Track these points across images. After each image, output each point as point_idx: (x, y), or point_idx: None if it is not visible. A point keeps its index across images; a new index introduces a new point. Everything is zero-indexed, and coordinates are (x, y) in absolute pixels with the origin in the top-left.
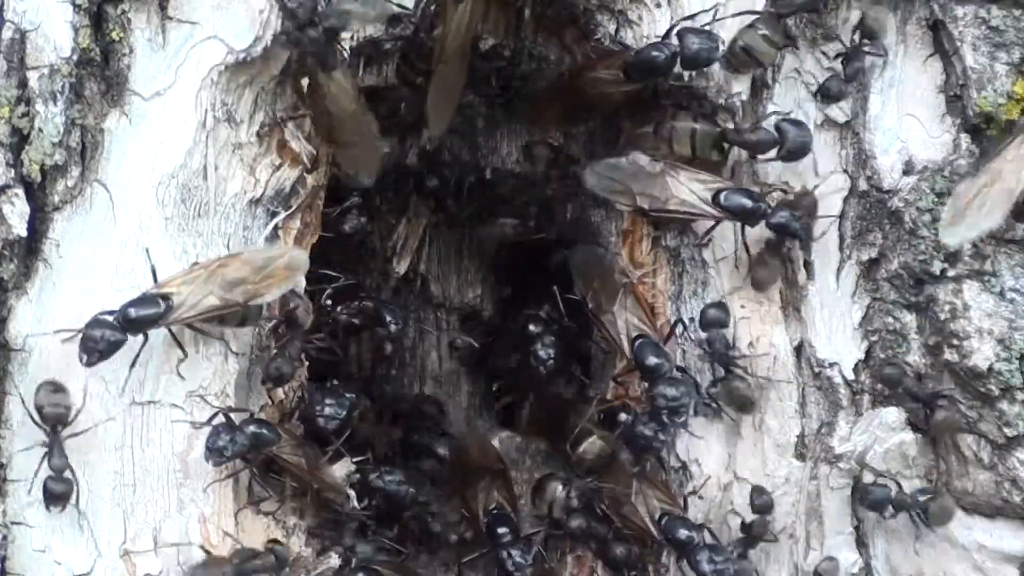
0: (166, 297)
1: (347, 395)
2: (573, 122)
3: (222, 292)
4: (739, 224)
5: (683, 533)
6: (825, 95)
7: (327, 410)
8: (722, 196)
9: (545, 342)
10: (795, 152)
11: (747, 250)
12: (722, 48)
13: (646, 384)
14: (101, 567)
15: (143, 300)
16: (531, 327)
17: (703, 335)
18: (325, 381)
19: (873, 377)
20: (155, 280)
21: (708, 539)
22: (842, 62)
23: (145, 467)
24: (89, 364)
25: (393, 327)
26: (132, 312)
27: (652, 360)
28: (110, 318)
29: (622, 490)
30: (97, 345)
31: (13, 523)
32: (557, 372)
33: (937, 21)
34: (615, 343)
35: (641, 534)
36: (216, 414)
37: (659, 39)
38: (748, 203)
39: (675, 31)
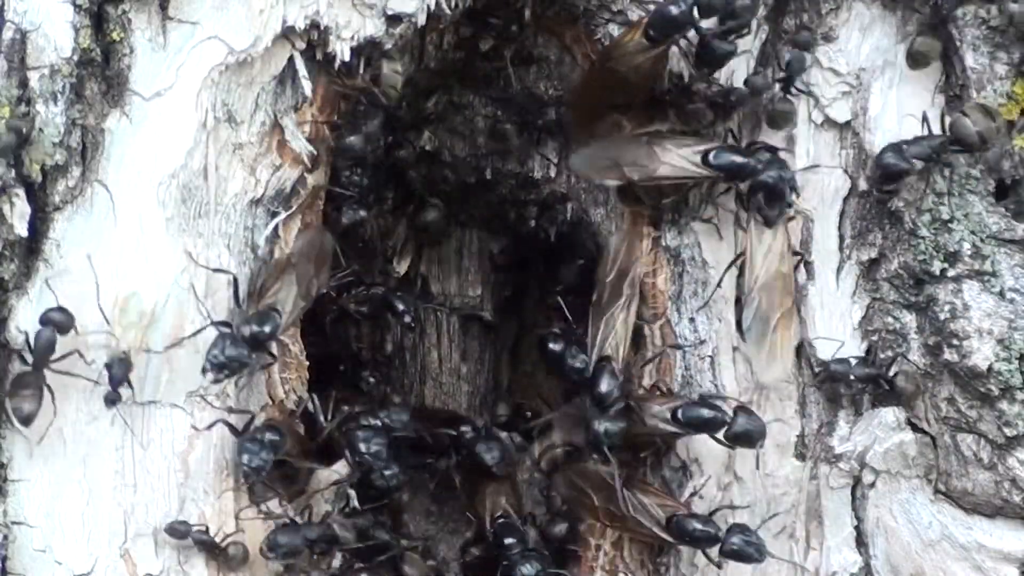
0: (276, 310)
1: (376, 423)
2: (614, 108)
3: (304, 291)
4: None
5: (700, 529)
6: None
7: (374, 448)
8: (711, 155)
9: (573, 353)
10: None
11: (745, 207)
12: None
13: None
14: (101, 567)
15: (262, 316)
16: (552, 345)
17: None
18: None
19: (820, 381)
20: (236, 296)
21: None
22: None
23: (145, 467)
24: (216, 381)
25: (407, 317)
26: (257, 330)
27: (602, 388)
28: (230, 330)
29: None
30: (228, 364)
31: (14, 523)
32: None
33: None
34: (588, 349)
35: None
36: (216, 422)
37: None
38: (738, 159)
39: None
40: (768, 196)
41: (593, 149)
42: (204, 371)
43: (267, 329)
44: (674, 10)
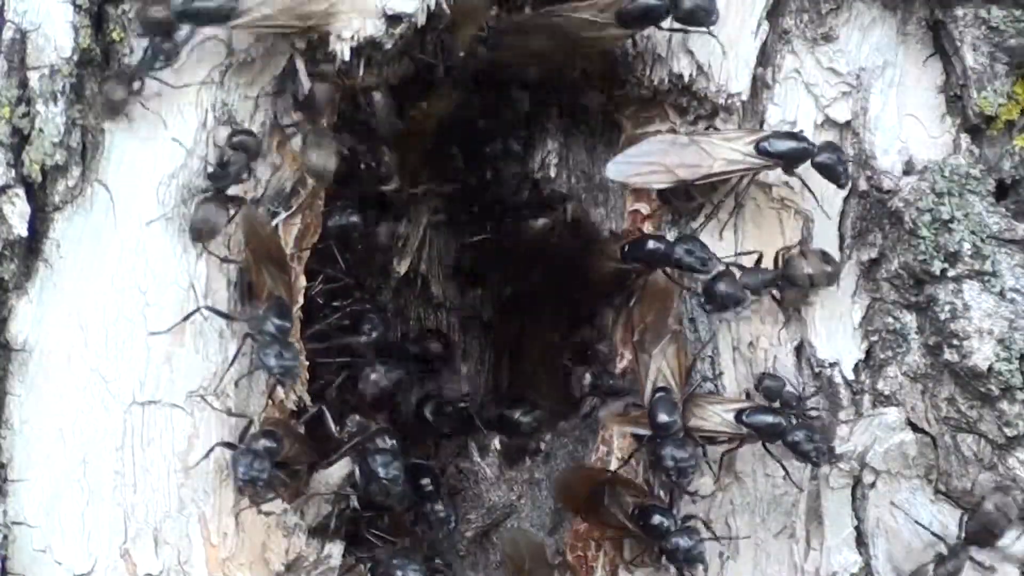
0: (282, 298)
1: (392, 444)
2: (551, 60)
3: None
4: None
5: (656, 519)
6: None
7: (392, 473)
8: (768, 143)
9: None
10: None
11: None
12: (716, 15)
13: (655, 439)
14: (101, 567)
15: (279, 308)
16: None
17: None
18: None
19: (757, 390)
20: (242, 289)
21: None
22: None
23: (145, 467)
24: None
25: (363, 337)
26: (280, 323)
27: (663, 418)
28: (270, 335)
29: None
30: (291, 368)
31: (14, 523)
32: None
33: (937, 21)
34: (640, 385)
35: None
36: (214, 447)
37: None
38: (794, 144)
39: None
40: (827, 176)
41: (629, 154)
42: (280, 383)
43: (287, 322)
44: (656, 6)
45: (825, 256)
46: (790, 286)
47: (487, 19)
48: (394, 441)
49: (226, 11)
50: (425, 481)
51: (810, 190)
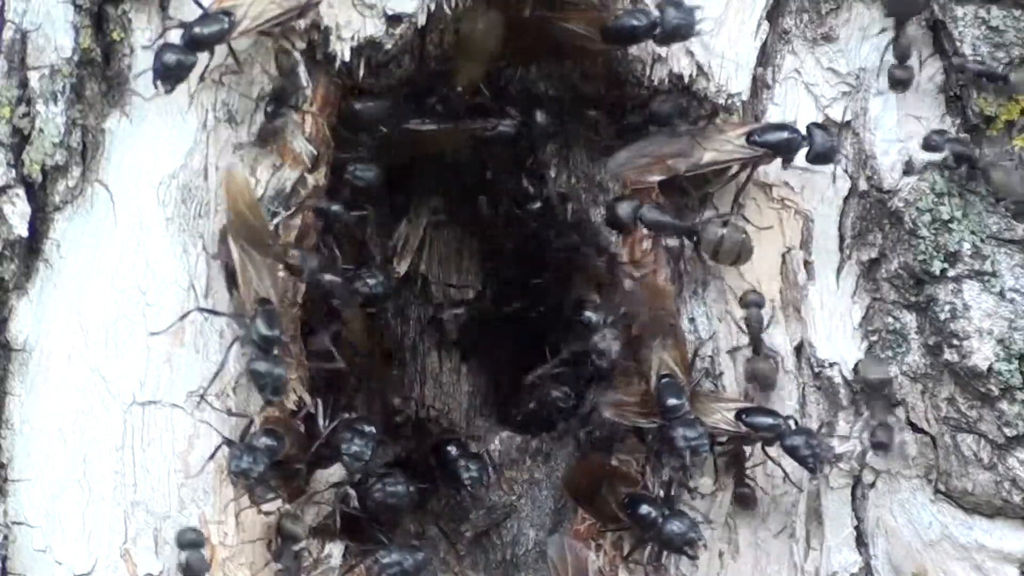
0: (268, 299)
1: (369, 430)
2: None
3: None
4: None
5: (644, 509)
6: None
7: (353, 449)
8: (756, 134)
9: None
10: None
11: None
12: (700, 25)
13: (665, 423)
14: (101, 567)
15: (267, 317)
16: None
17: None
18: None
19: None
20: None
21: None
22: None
23: (145, 467)
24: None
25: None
26: (268, 332)
27: (672, 401)
28: (259, 346)
29: None
30: (269, 374)
31: (14, 523)
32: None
33: (937, 21)
34: (645, 376)
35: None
36: (221, 445)
37: (637, 6)
38: (785, 134)
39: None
40: (816, 162)
41: (629, 151)
42: (264, 395)
43: (276, 331)
44: (636, 26)
45: (744, 230)
46: (700, 242)
47: (493, 59)
48: (372, 428)
49: (225, 29)
50: (451, 448)
51: (815, 166)
